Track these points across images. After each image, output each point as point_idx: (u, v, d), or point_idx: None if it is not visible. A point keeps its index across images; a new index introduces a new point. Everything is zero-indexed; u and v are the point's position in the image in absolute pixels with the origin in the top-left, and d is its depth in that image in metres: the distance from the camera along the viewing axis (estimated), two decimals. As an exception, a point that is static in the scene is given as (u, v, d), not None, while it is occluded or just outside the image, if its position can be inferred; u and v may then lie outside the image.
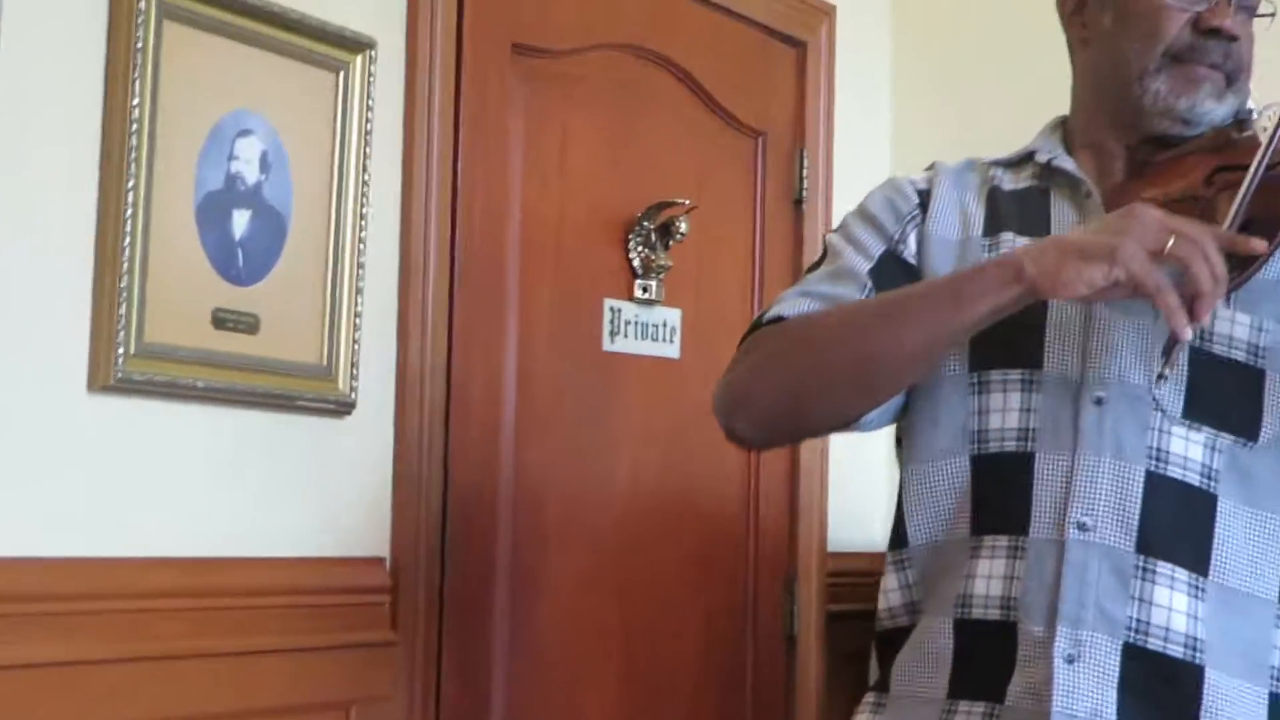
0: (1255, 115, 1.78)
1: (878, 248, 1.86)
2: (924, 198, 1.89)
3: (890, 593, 1.86)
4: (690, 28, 3.15)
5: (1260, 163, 1.64)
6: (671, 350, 3.05)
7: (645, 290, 2.99)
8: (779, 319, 1.84)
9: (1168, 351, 1.65)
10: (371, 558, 2.49)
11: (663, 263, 2.99)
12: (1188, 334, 1.59)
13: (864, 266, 1.85)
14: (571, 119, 2.90)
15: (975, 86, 3.51)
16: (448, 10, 2.64)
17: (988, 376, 1.78)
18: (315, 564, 2.41)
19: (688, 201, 2.99)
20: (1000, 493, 1.75)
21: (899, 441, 1.91)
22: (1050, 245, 1.65)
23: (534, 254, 2.81)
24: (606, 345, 2.94)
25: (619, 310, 2.95)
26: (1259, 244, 1.62)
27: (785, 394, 1.81)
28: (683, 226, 2.99)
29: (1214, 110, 1.79)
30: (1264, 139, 1.65)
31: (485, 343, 2.71)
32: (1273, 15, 1.83)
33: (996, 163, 1.93)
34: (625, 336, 2.97)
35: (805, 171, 3.37)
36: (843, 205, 3.36)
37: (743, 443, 1.97)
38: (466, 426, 2.66)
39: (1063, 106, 1.97)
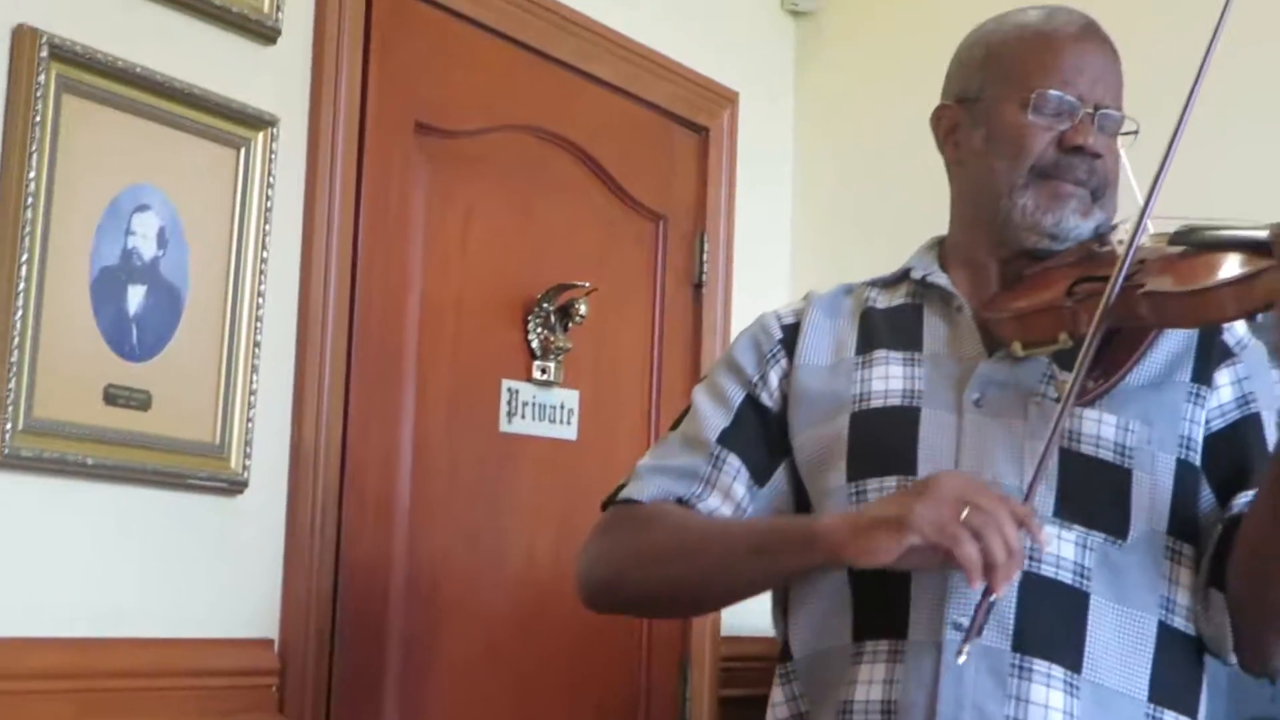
0: (1113, 229, 1.83)
1: (737, 395, 1.92)
2: (790, 332, 1.94)
3: (777, 706, 1.87)
4: (593, 111, 3.17)
5: (1119, 274, 1.69)
6: (569, 432, 3.06)
7: (544, 371, 3.00)
8: (631, 500, 1.91)
9: (975, 616, 1.64)
10: (260, 639, 2.46)
11: (562, 344, 3.00)
12: (978, 585, 1.60)
13: (717, 429, 1.90)
14: (473, 199, 2.91)
15: (876, 174, 3.56)
16: (351, 89, 2.65)
17: (865, 485, 1.80)
18: (203, 645, 2.38)
19: (588, 284, 3.01)
20: (880, 598, 1.77)
21: None
22: (848, 518, 1.70)
23: (433, 333, 2.80)
24: (504, 426, 2.94)
25: (517, 391, 2.96)
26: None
27: (636, 598, 1.97)
28: (582, 309, 3.00)
29: (1080, 226, 1.83)
30: (1121, 251, 1.70)
31: (381, 422, 2.70)
32: (1136, 133, 1.88)
33: (873, 283, 1.98)
34: (523, 417, 2.97)
35: (705, 255, 3.40)
36: (742, 290, 3.42)
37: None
38: (360, 506, 2.64)
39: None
